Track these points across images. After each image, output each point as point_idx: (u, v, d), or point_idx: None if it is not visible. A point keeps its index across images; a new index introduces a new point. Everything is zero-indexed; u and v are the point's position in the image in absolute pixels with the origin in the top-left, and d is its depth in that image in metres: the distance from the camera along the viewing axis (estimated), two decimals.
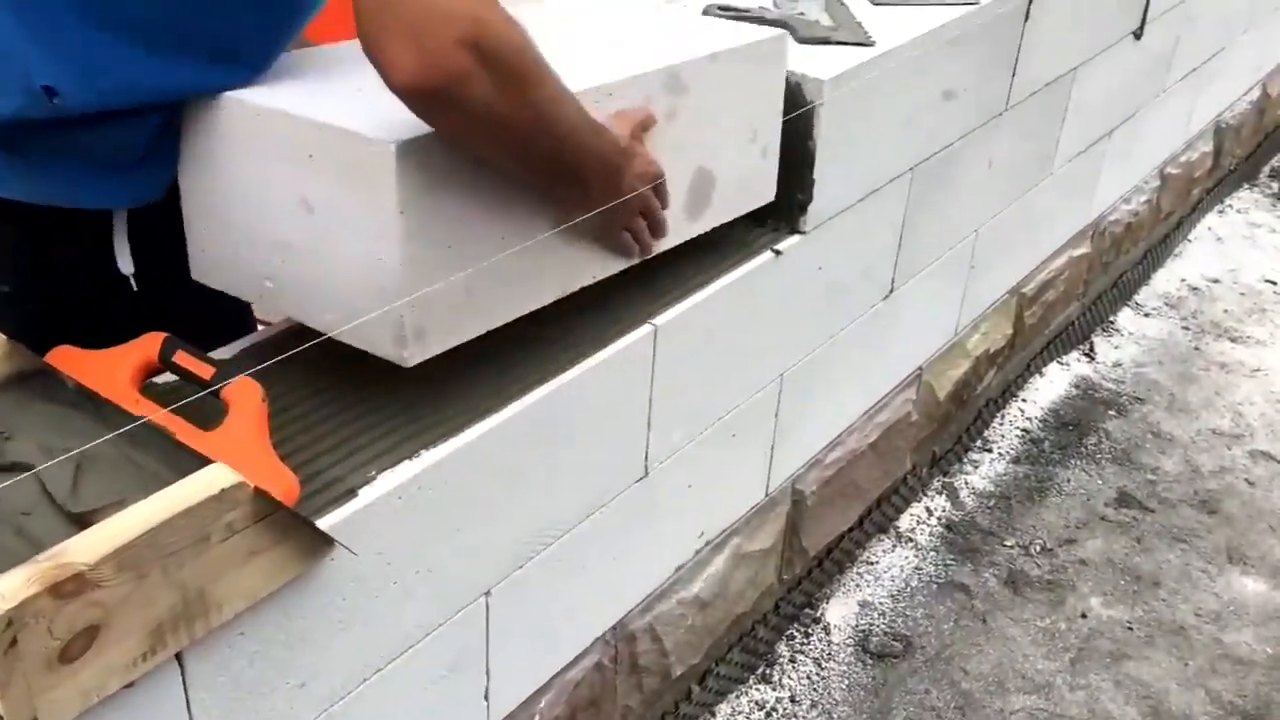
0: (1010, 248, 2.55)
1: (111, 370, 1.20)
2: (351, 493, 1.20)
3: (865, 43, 1.76)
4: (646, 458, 1.62)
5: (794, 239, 1.73)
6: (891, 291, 2.09)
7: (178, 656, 1.06)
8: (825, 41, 1.76)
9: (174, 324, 1.42)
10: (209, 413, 1.15)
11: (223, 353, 1.38)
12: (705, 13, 1.82)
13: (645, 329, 1.51)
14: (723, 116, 1.53)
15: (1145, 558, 2.51)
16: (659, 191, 1.41)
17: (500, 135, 1.15)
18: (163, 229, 1.39)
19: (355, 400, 1.33)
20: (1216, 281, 3.65)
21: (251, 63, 1.32)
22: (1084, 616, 2.34)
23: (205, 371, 1.17)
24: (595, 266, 1.43)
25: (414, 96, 1.07)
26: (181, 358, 1.19)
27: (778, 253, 1.71)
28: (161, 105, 1.30)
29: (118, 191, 1.37)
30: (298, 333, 1.38)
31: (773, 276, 1.72)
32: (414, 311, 1.20)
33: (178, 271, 1.44)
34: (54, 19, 1.21)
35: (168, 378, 1.22)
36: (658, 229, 1.45)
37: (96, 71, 1.23)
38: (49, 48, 1.21)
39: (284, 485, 1.09)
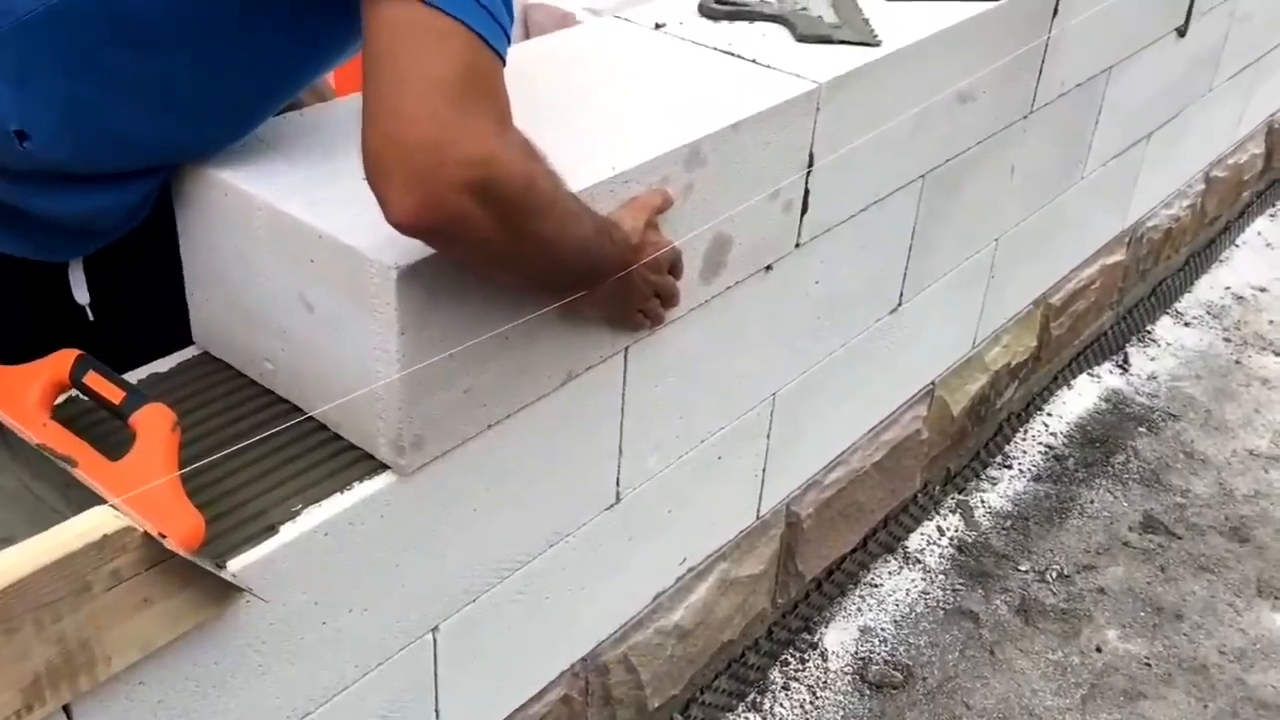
0: (1035, 256, 2.42)
1: (22, 389, 1.12)
2: (271, 529, 1.11)
3: (870, 42, 1.64)
4: (618, 484, 1.52)
5: (788, 254, 1.62)
6: (900, 305, 1.97)
7: (65, 709, 0.98)
8: (827, 40, 1.64)
9: (131, 353, 1.36)
10: (119, 439, 1.07)
11: (152, 369, 1.30)
12: (701, 7, 1.71)
13: (614, 353, 1.41)
14: (743, 181, 1.47)
15: (1169, 588, 2.37)
16: (674, 269, 1.37)
17: (504, 263, 1.10)
18: (121, 258, 1.31)
19: (289, 429, 1.23)
20: (1263, 290, 3.47)
21: (243, 122, 1.24)
22: (1099, 650, 2.21)
23: (115, 395, 1.09)
24: (604, 347, 1.39)
25: (410, 234, 0.99)
26: (92, 379, 1.11)
27: (768, 268, 1.59)
28: (144, 171, 1.22)
29: (83, 246, 1.30)
30: None
31: (762, 293, 1.60)
32: (413, 422, 1.17)
33: (135, 300, 1.36)
34: (29, 59, 1.12)
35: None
36: (671, 302, 1.41)
37: (73, 120, 1.14)
38: (21, 88, 1.13)
39: (187, 526, 1.01)
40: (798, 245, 1.63)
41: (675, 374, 1.53)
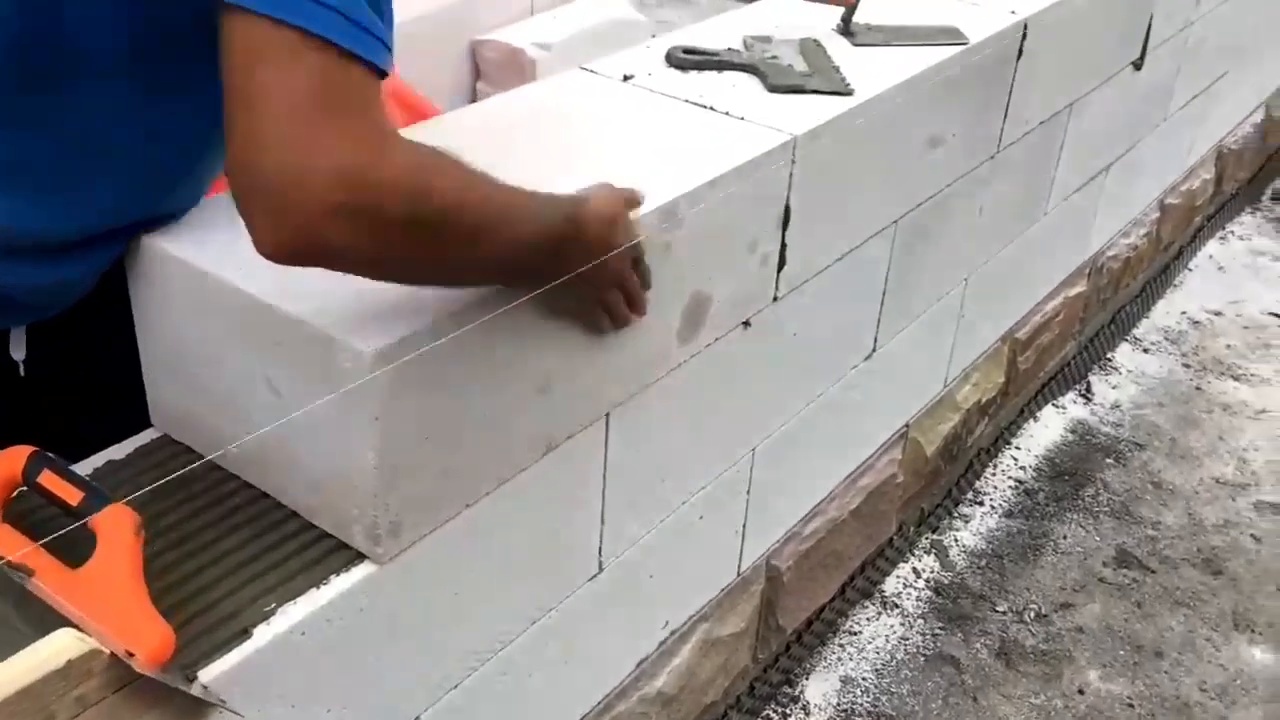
0: (1002, 293, 2.40)
1: None
2: (245, 633, 1.05)
3: (842, 91, 1.61)
4: (600, 553, 1.47)
5: (765, 307, 1.58)
6: (874, 351, 1.94)
7: None
8: (799, 90, 1.60)
9: (67, 410, 1.29)
10: (78, 544, 1.00)
11: (108, 455, 1.22)
12: (669, 58, 1.67)
13: (595, 417, 1.36)
14: (720, 237, 1.43)
15: (1146, 624, 2.35)
16: (638, 267, 1.26)
17: (423, 273, 1.03)
18: (67, 323, 1.24)
19: (253, 517, 1.17)
20: (1219, 314, 3.50)
21: (191, 175, 1.17)
22: (1081, 692, 2.19)
23: (73, 496, 1.02)
24: (584, 414, 1.34)
25: (283, 263, 0.92)
26: (47, 478, 1.04)
27: (746, 324, 1.55)
28: (93, 240, 1.15)
29: (22, 318, 1.23)
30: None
31: (741, 349, 1.56)
32: (389, 509, 1.11)
33: (72, 356, 1.29)
34: None
35: None
36: (635, 304, 1.29)
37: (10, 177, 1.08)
38: None
39: (155, 640, 0.94)
40: (775, 299, 1.59)
41: (657, 436, 1.48)
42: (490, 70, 3.93)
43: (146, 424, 1.29)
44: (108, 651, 0.88)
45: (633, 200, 1.24)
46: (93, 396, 1.34)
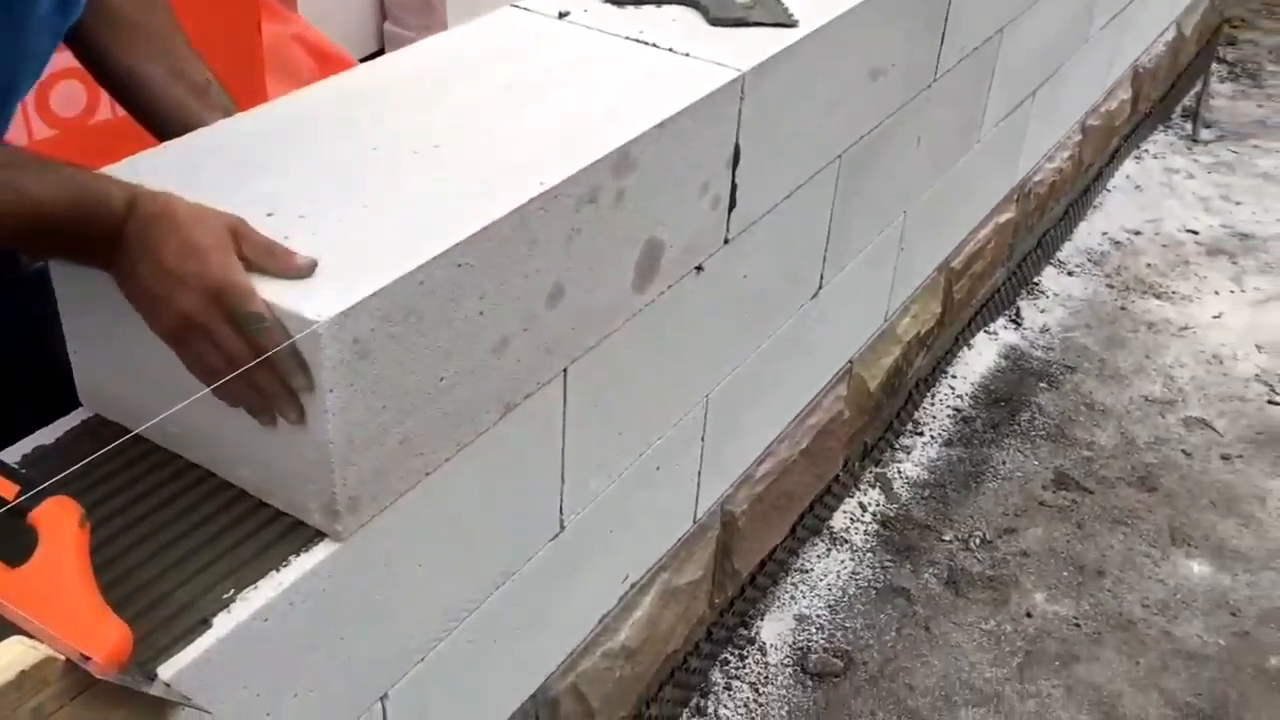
0: (938, 224, 2.39)
1: None
2: (204, 623, 0.99)
3: (787, 23, 1.56)
4: (561, 512, 1.43)
5: (717, 251, 1.54)
6: (820, 289, 1.91)
7: None
8: (742, 23, 1.55)
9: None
10: (18, 541, 0.93)
11: (37, 440, 1.14)
12: None
13: (553, 375, 1.31)
14: (672, 181, 1.37)
15: (1087, 544, 2.39)
16: (244, 329, 0.97)
17: None
18: None
19: (203, 498, 1.10)
20: (1138, 234, 3.55)
21: None
22: (1029, 615, 2.22)
23: (8, 490, 0.94)
24: (542, 371, 1.28)
25: None
26: None
27: (699, 269, 1.51)
28: None
29: None
30: None
31: (693, 294, 1.52)
32: (346, 484, 1.05)
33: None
34: None
35: None
36: (232, 363, 0.99)
37: None
38: None
39: (111, 640, 0.87)
40: (726, 241, 1.55)
41: (614, 390, 1.43)
42: (398, 11, 3.79)
43: (72, 405, 1.21)
44: (62, 658, 0.82)
45: (237, 228, 1.01)
46: (10, 377, 1.26)
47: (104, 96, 2.51)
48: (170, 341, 1.02)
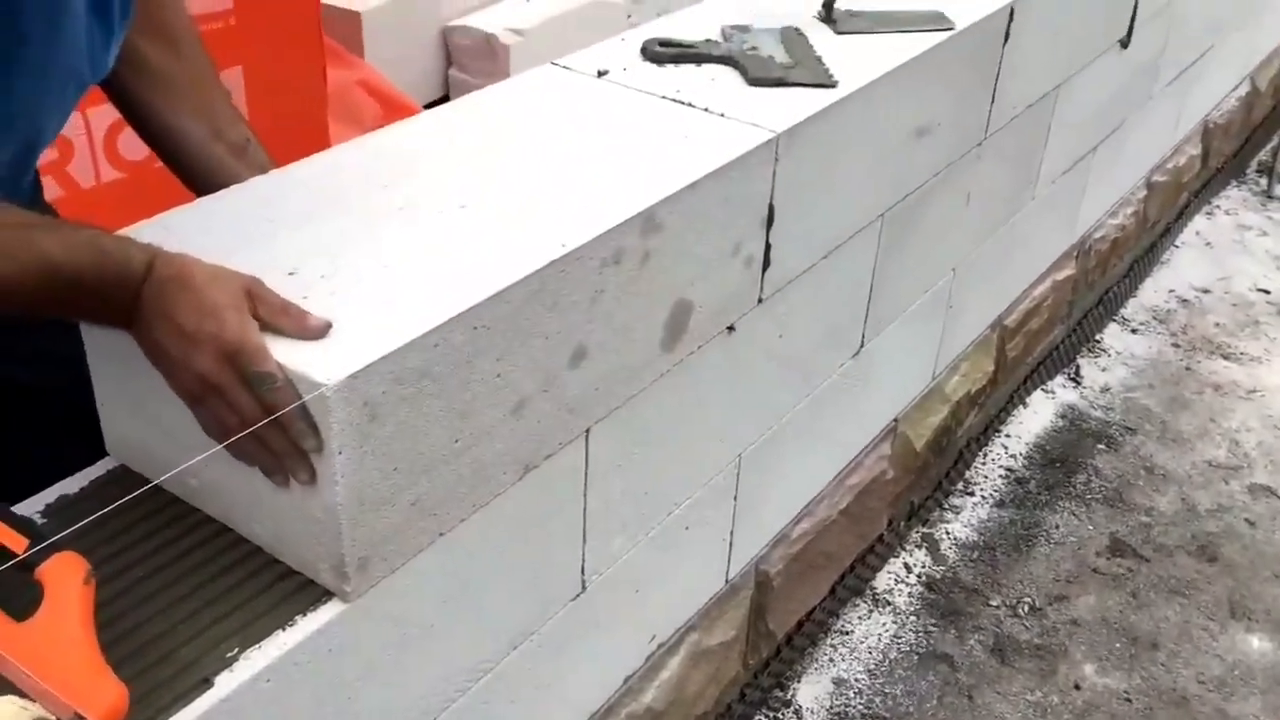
0: (990, 281, 2.35)
1: None
2: (206, 682, 0.99)
3: (826, 83, 1.55)
4: (583, 572, 1.41)
5: (750, 310, 1.52)
6: (861, 348, 1.89)
7: None
8: (780, 83, 1.54)
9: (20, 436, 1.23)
10: (25, 593, 0.94)
11: (61, 489, 1.16)
12: (644, 51, 1.60)
13: (575, 435, 1.30)
14: (702, 242, 1.36)
15: (1142, 615, 2.32)
16: (260, 390, 0.98)
17: None
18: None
19: (217, 553, 1.11)
20: (1207, 292, 3.46)
21: None
22: (1078, 688, 2.15)
23: (17, 543, 0.95)
24: (562, 432, 1.27)
25: None
26: None
27: (730, 328, 1.49)
28: None
29: None
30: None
31: (725, 354, 1.50)
32: (356, 544, 1.05)
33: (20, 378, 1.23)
34: None
35: None
36: (245, 423, 1.00)
37: None
38: None
39: (107, 700, 0.88)
40: (760, 301, 1.54)
41: (640, 450, 1.42)
42: (462, 57, 3.85)
43: (102, 452, 1.22)
44: (54, 719, 0.82)
45: (252, 288, 1.01)
46: (44, 423, 1.28)
47: None
48: (187, 400, 1.04)
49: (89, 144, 2.55)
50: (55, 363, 1.29)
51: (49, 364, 1.30)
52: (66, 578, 0.93)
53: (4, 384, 1.29)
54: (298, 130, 2.86)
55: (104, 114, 2.55)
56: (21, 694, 0.84)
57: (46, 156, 2.48)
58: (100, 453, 1.22)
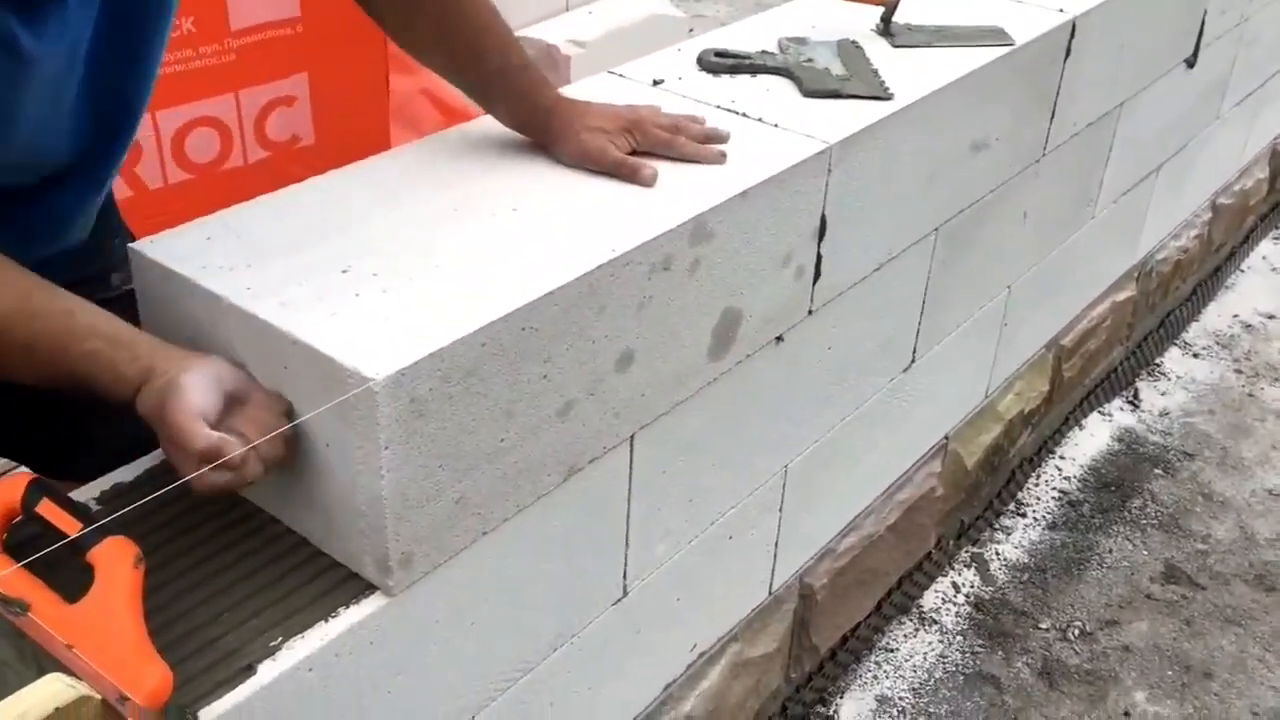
0: (1047, 299, 2.32)
1: None
2: (249, 669, 1.00)
3: (881, 96, 1.54)
4: (625, 577, 1.42)
5: (800, 321, 1.52)
6: (913, 363, 1.87)
7: None
8: (835, 95, 1.54)
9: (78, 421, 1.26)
10: (77, 575, 0.96)
11: (115, 478, 1.18)
12: (700, 61, 1.61)
13: (620, 440, 1.30)
14: (753, 250, 1.37)
15: (1196, 644, 2.27)
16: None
17: None
18: None
19: (263, 544, 1.13)
20: (1272, 318, 3.39)
21: None
22: (1127, 715, 2.11)
23: (71, 526, 0.98)
24: (607, 436, 1.28)
25: None
26: (46, 508, 0.99)
27: (779, 339, 1.49)
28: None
29: None
30: None
31: (773, 365, 1.50)
32: (400, 540, 1.06)
33: None
34: None
35: None
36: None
37: None
38: None
39: (152, 682, 0.89)
40: (810, 312, 1.53)
41: (684, 457, 1.42)
42: None
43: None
44: (99, 697, 0.84)
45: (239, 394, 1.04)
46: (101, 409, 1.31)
47: (235, 144, 2.64)
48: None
49: (157, 146, 2.61)
50: None
51: None
52: (117, 561, 0.95)
53: None
54: (360, 136, 2.91)
55: (172, 116, 2.61)
56: (69, 673, 0.86)
57: None
58: (134, 441, 1.23)
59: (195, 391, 1.00)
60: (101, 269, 1.32)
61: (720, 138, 1.40)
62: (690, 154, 1.36)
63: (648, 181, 1.31)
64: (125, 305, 1.29)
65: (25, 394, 1.22)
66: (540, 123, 1.36)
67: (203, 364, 1.03)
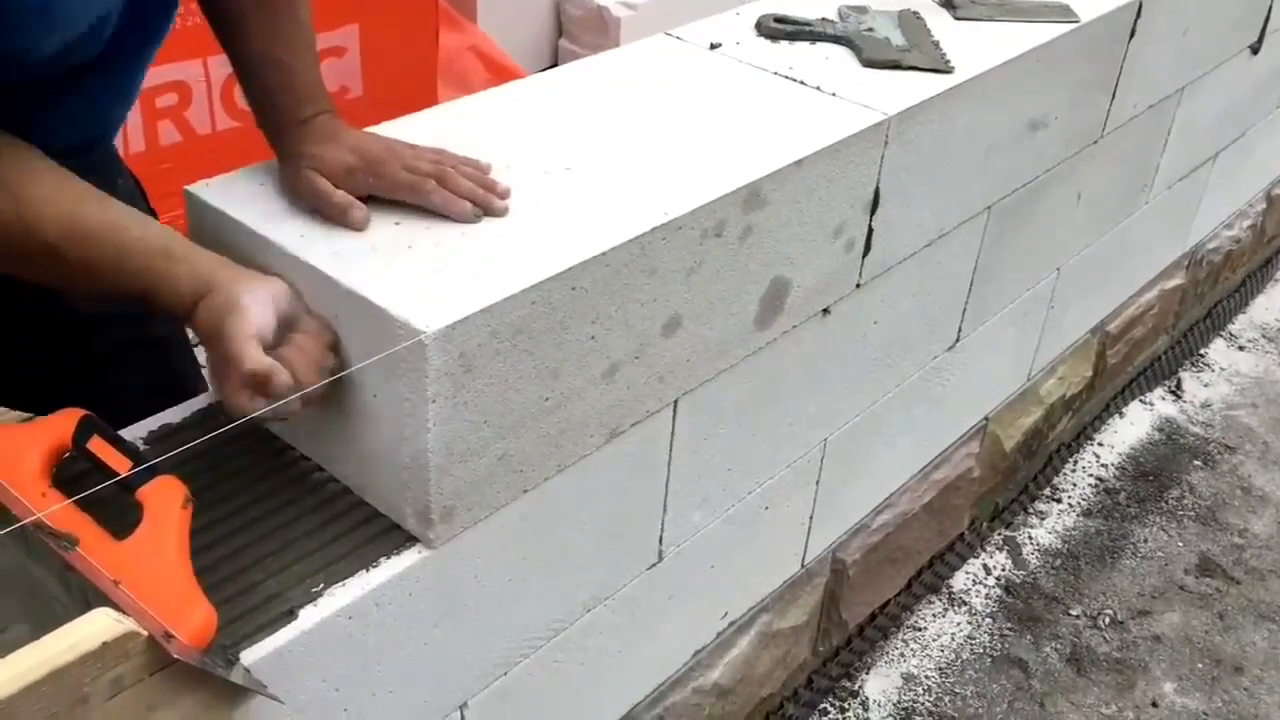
0: (1095, 284, 2.29)
1: (21, 451, 1.01)
2: (290, 614, 1.01)
3: (942, 69, 1.52)
4: (660, 542, 1.42)
5: (847, 294, 1.51)
6: (957, 341, 1.86)
7: None
8: (895, 65, 1.52)
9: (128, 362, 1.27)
10: (125, 514, 0.97)
11: (163, 419, 1.19)
12: (759, 26, 1.59)
13: (664, 404, 1.30)
14: (805, 220, 1.35)
15: (1228, 637, 2.25)
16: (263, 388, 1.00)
17: None
18: None
19: (307, 491, 1.13)
20: None
21: None
22: (1154, 705, 2.10)
23: (121, 465, 0.99)
24: (651, 401, 1.27)
25: None
26: (97, 445, 1.00)
27: (826, 311, 1.48)
28: None
29: None
30: None
31: (819, 337, 1.49)
32: (443, 493, 1.07)
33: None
34: None
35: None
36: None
37: None
38: None
39: (197, 621, 0.91)
40: (858, 285, 1.52)
41: (726, 425, 1.42)
42: (574, 28, 3.86)
43: (178, 387, 1.26)
44: (145, 633, 0.85)
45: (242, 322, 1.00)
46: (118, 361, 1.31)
47: None
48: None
49: (207, 91, 2.61)
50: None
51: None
52: (166, 501, 0.96)
53: (67, 318, 1.31)
54: (408, 91, 2.91)
55: (224, 63, 2.62)
56: (116, 608, 0.87)
57: (165, 101, 2.56)
58: (155, 386, 1.25)
59: (254, 312, 1.00)
60: None
61: (498, 192, 1.17)
62: (436, 203, 1.13)
63: (356, 224, 1.11)
64: None
65: (39, 352, 1.23)
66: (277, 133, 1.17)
67: (262, 284, 1.03)
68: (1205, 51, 2.21)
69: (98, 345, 1.31)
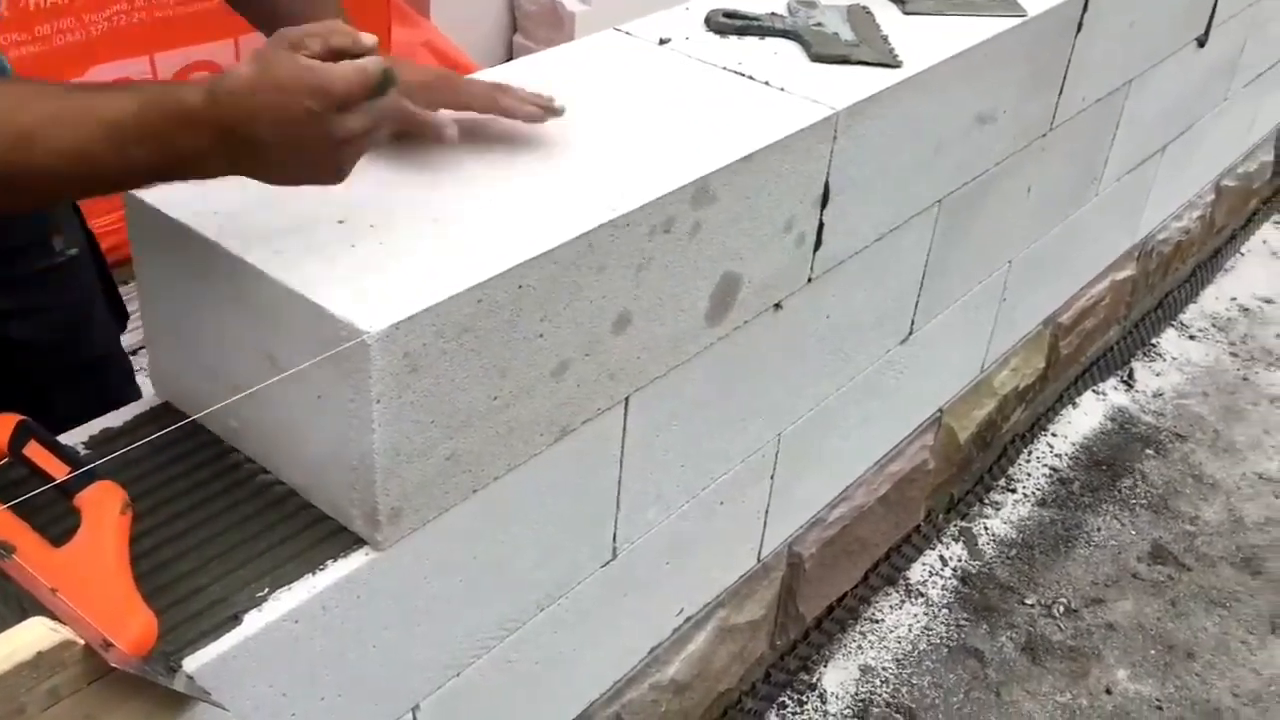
0: (1047, 276, 2.31)
1: None
2: (235, 619, 1.00)
3: (890, 63, 1.52)
4: (615, 540, 1.41)
5: (799, 289, 1.51)
6: (910, 334, 1.87)
7: None
8: (844, 60, 1.52)
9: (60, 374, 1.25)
10: (64, 519, 0.95)
11: (104, 422, 1.17)
12: (708, 21, 1.59)
13: (614, 402, 1.30)
14: (755, 216, 1.35)
15: (1180, 624, 2.28)
16: (377, 90, 0.94)
17: None
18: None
19: (252, 494, 1.12)
20: (1269, 302, 3.38)
21: None
22: (1108, 692, 2.12)
23: (59, 470, 0.97)
24: (601, 399, 1.27)
25: None
26: (33, 450, 0.98)
27: (778, 306, 1.48)
28: None
29: None
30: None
31: (770, 332, 1.49)
32: (389, 494, 1.05)
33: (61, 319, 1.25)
34: None
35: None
36: (370, 130, 0.96)
37: None
38: None
39: (136, 629, 0.89)
40: (809, 280, 1.52)
41: (678, 421, 1.42)
42: (528, 23, 3.84)
43: (108, 390, 1.25)
44: (82, 642, 0.84)
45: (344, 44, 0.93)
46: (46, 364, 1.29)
47: None
48: (332, 170, 0.98)
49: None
50: (47, 319, 1.30)
51: (41, 321, 1.31)
52: (104, 506, 0.95)
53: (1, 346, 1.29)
54: None
55: (170, 59, 2.58)
56: (53, 617, 0.85)
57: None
58: (91, 409, 1.21)
59: (289, 42, 0.91)
60: (40, 233, 1.29)
61: (554, 104, 1.27)
62: (509, 105, 1.23)
63: (452, 139, 1.18)
64: (69, 274, 1.27)
65: None
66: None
67: (266, 42, 0.93)
68: (1152, 44, 2.23)
69: (32, 376, 1.29)
